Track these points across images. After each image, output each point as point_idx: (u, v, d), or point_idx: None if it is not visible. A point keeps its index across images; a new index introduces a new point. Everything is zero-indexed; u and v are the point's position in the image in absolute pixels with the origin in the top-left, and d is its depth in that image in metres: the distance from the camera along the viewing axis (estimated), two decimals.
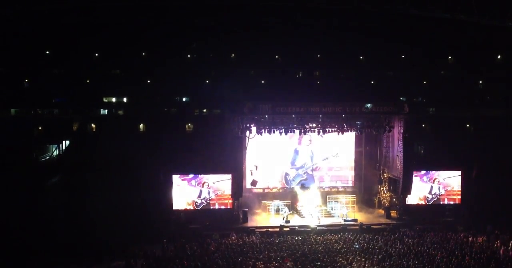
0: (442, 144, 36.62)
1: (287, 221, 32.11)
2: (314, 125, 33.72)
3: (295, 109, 32.27)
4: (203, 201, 32.85)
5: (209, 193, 32.89)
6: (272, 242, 27.31)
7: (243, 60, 39.86)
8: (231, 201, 32.94)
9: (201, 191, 32.85)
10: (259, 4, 37.13)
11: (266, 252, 24.77)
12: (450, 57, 42.18)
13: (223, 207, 32.99)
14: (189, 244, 26.76)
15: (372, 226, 31.31)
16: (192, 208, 32.71)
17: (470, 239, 27.23)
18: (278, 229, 30.78)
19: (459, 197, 34.11)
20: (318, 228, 30.99)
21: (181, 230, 30.12)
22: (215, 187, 32.93)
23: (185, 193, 32.77)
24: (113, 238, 26.32)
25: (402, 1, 36.27)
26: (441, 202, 34.24)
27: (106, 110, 39.27)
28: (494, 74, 40.75)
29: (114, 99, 39.86)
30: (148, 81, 39.26)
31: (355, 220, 32.35)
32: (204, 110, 39.82)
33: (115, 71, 39.76)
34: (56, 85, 37.79)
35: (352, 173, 38.16)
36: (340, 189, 37.04)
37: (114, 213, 28.56)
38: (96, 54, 39.01)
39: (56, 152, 37.09)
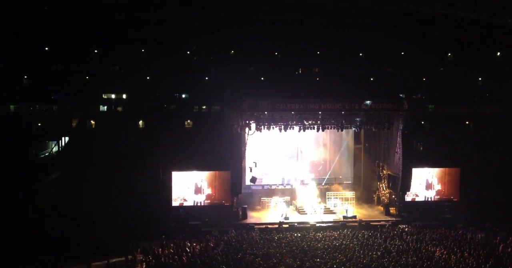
0: (441, 141, 36.63)
1: (286, 218, 32.11)
2: (313, 122, 33.75)
3: (295, 105, 32.13)
4: (201, 197, 32.86)
5: (208, 189, 32.87)
6: (271, 238, 27.24)
7: (242, 56, 39.86)
8: (230, 197, 32.94)
9: (200, 187, 32.85)
10: (258, 1, 37.07)
11: (265, 249, 24.73)
12: (449, 54, 42.26)
13: (222, 203, 32.98)
14: (188, 240, 26.76)
15: (371, 223, 31.29)
16: (191, 204, 32.68)
17: (469, 236, 27.23)
18: (277, 226, 30.74)
19: (458, 194, 34.12)
20: (317, 224, 30.99)
21: (180, 227, 30.12)
22: (214, 183, 32.90)
23: (184, 189, 32.76)
24: (112, 235, 26.27)
25: None
26: (440, 199, 34.27)
27: (106, 107, 39.29)
28: (493, 71, 40.76)
29: (113, 96, 39.89)
30: (147, 78, 39.26)
31: (354, 216, 32.37)
32: (204, 107, 39.81)
33: (114, 68, 39.79)
34: (55, 81, 37.83)
35: (352, 169, 38.20)
36: (339, 186, 37.05)
37: (113, 210, 28.50)
38: (95, 50, 39.04)
39: (55, 149, 37.05)
